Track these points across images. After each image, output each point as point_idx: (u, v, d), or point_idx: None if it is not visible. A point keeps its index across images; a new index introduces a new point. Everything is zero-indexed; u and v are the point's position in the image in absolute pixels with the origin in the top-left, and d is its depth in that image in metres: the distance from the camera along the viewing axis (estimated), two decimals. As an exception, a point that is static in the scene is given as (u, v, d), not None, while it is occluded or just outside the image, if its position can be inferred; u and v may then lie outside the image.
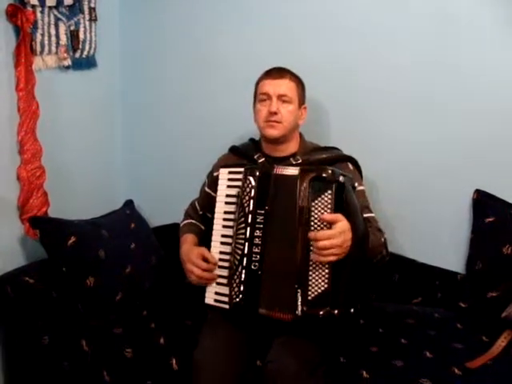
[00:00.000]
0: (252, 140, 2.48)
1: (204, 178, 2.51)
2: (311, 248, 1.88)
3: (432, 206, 2.65)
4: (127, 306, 2.53)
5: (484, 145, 2.52)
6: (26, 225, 2.56)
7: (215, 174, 2.33)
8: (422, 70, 2.57)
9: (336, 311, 1.89)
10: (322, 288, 1.90)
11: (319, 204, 1.90)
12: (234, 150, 2.45)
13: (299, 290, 1.92)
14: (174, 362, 2.19)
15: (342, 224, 1.86)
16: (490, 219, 2.48)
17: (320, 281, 1.90)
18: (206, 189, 2.46)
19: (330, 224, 1.86)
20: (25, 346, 2.35)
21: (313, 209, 1.91)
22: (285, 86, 2.24)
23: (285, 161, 2.25)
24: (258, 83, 2.32)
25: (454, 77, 2.53)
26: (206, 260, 2.13)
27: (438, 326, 2.39)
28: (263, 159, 2.29)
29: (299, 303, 1.92)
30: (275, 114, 2.22)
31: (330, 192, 1.89)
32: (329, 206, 1.89)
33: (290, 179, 1.97)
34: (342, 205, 1.91)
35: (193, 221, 2.50)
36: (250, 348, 2.13)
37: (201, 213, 2.49)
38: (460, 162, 2.57)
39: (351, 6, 2.63)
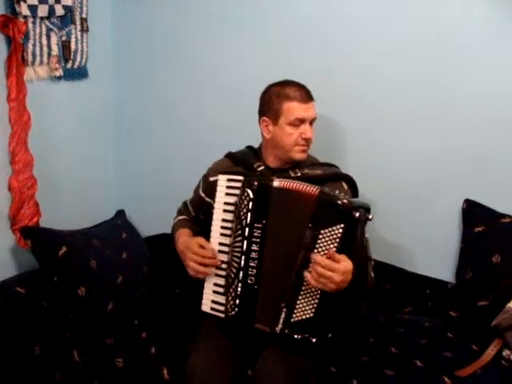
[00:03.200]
0: (250, 148, 2.40)
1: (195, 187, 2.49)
2: (309, 268, 1.87)
3: (422, 216, 2.67)
4: (119, 315, 2.52)
5: (473, 155, 2.55)
6: (18, 235, 2.56)
7: (211, 178, 2.29)
8: (412, 84, 2.59)
9: (314, 339, 1.93)
10: (307, 315, 1.92)
11: (328, 234, 1.86)
12: (231, 156, 2.37)
13: (285, 310, 1.94)
14: (165, 371, 2.18)
15: (347, 264, 1.84)
16: (480, 229, 2.50)
17: (307, 308, 1.92)
18: (201, 193, 2.40)
19: (333, 260, 1.84)
20: (16, 356, 2.34)
21: (320, 237, 1.87)
22: (314, 110, 2.19)
23: (283, 172, 2.20)
24: (282, 103, 2.15)
25: (442, 92, 2.55)
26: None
27: (429, 334, 2.40)
28: (263, 167, 2.24)
29: (281, 321, 1.95)
30: (309, 139, 2.18)
31: (342, 226, 1.84)
32: (337, 239, 1.85)
33: (304, 196, 1.92)
34: (351, 242, 1.87)
35: (187, 217, 2.47)
36: (243, 358, 2.12)
37: (193, 214, 2.46)
38: (449, 172, 2.59)
39: (345, 20, 2.65)
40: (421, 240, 2.69)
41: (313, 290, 1.90)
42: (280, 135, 2.18)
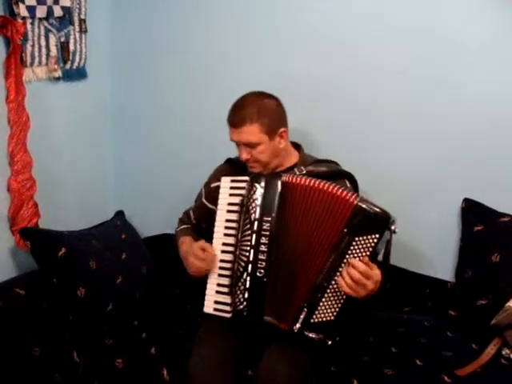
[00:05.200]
0: None
1: (195, 188, 2.49)
2: (338, 273, 1.88)
3: (421, 216, 2.67)
4: (118, 316, 2.52)
5: (472, 154, 2.55)
6: (17, 236, 2.56)
7: (213, 184, 2.32)
8: (412, 83, 2.59)
9: (330, 342, 1.94)
10: (328, 318, 1.93)
11: (362, 242, 1.87)
12: (231, 161, 2.39)
13: (306, 310, 1.95)
14: (165, 371, 2.18)
15: (379, 273, 1.86)
16: (479, 228, 2.50)
17: (329, 311, 1.93)
18: (203, 200, 2.42)
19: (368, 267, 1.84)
20: (16, 357, 2.33)
21: (354, 244, 1.87)
22: (246, 135, 2.13)
23: (285, 172, 2.18)
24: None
25: (442, 90, 2.55)
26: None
27: (429, 334, 2.40)
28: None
29: (300, 320, 1.95)
30: (246, 160, 2.18)
31: (377, 236, 1.85)
32: (370, 248, 1.86)
33: (339, 200, 1.93)
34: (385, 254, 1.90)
35: (188, 226, 2.49)
36: (243, 358, 2.12)
37: (195, 222, 2.48)
38: (448, 172, 2.59)
39: (342, 21, 2.64)
40: (420, 239, 2.69)
41: (338, 293, 1.91)
42: None
